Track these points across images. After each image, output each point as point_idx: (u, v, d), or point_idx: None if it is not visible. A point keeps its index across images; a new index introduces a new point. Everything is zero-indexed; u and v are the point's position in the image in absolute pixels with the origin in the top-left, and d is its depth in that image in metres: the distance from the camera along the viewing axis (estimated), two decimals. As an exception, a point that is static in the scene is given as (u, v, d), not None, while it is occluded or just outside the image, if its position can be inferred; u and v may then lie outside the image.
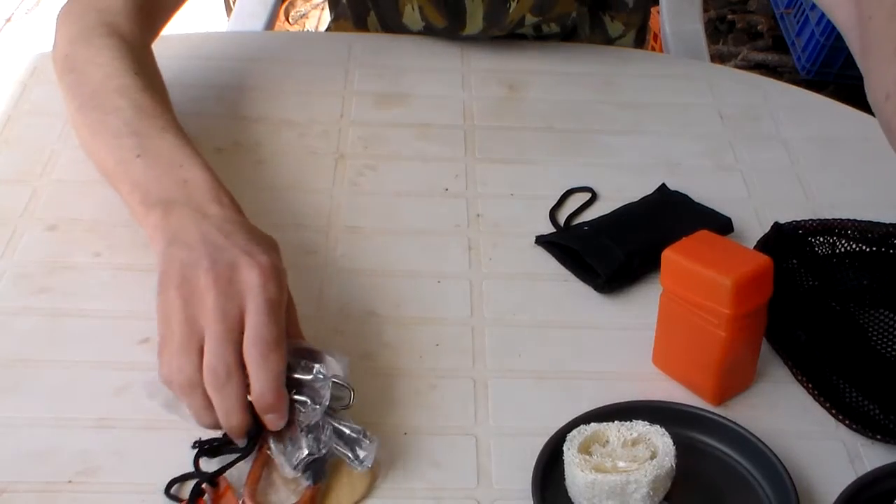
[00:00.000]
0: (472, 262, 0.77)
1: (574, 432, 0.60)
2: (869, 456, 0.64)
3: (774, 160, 0.91)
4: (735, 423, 0.63)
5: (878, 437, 0.64)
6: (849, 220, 0.76)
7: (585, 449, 0.60)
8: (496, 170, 0.88)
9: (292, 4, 2.78)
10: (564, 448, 0.60)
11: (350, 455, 0.60)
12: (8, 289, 0.73)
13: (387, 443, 0.63)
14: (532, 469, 0.59)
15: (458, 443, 0.64)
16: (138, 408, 0.65)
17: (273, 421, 0.59)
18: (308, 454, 0.59)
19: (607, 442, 0.60)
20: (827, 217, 0.77)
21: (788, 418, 0.67)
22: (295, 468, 0.59)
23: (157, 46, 1.06)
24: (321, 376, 0.59)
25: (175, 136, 0.73)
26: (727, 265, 0.62)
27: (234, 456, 0.60)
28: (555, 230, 0.81)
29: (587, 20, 1.08)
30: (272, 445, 0.59)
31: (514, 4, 1.00)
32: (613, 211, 0.82)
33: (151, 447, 0.63)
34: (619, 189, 0.85)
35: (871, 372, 0.68)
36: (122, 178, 0.71)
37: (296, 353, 0.61)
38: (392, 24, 1.06)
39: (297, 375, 0.60)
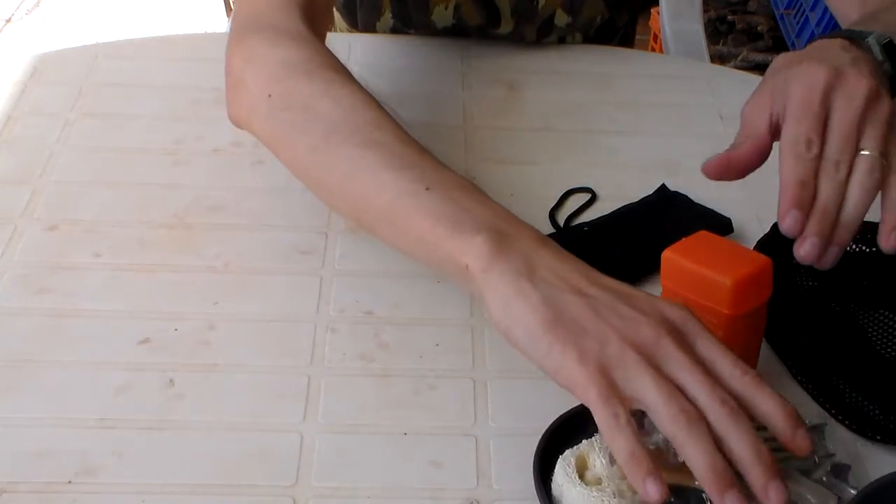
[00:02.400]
0: (471, 263, 0.77)
1: (559, 469, 0.58)
2: (869, 457, 0.64)
3: (774, 160, 0.90)
4: None
5: (878, 438, 0.64)
6: None
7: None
8: (496, 170, 0.88)
9: (292, 5, 2.77)
10: (565, 487, 0.57)
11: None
12: (8, 289, 0.73)
13: (386, 443, 0.63)
14: (531, 470, 0.59)
15: (457, 443, 0.64)
16: (138, 408, 0.65)
17: (806, 438, 0.53)
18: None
19: (588, 468, 0.58)
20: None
21: (788, 418, 0.67)
22: None
23: (157, 48, 1.06)
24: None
25: (458, 175, 0.65)
26: (727, 265, 0.62)
27: None
28: (554, 230, 0.81)
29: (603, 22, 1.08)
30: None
31: (542, 1, 1.00)
32: (613, 211, 0.82)
33: (151, 447, 0.63)
34: (619, 189, 0.85)
35: (871, 372, 0.68)
36: (408, 211, 0.63)
37: None
38: (416, 22, 1.04)
39: None
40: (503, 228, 0.59)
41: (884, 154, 0.62)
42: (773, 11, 2.60)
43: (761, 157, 0.66)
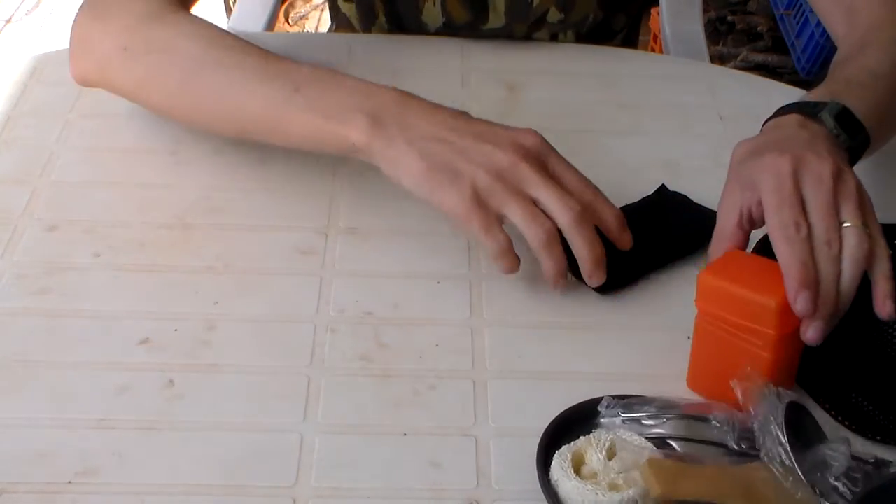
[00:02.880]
0: (472, 262, 0.77)
1: (555, 464, 0.59)
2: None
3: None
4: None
5: (878, 438, 0.64)
6: None
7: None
8: (496, 170, 0.87)
9: (292, 6, 2.78)
10: (561, 481, 0.58)
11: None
12: (8, 289, 0.73)
13: (386, 443, 0.63)
14: (535, 469, 0.60)
15: (457, 443, 0.64)
16: (138, 408, 0.65)
17: (629, 238, 0.71)
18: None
19: (586, 463, 0.59)
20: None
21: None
22: None
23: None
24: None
25: (318, 67, 0.75)
26: (768, 285, 0.61)
27: None
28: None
29: (597, 23, 1.08)
30: None
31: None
32: None
33: (151, 447, 0.63)
34: (619, 189, 0.85)
35: (871, 373, 0.68)
36: (288, 114, 0.73)
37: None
38: (408, 23, 1.05)
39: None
40: (374, 105, 0.71)
41: (864, 223, 0.65)
42: (773, 12, 2.60)
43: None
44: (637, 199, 0.83)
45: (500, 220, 0.69)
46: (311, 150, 0.76)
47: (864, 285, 0.69)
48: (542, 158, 0.70)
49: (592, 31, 1.08)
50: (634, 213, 0.81)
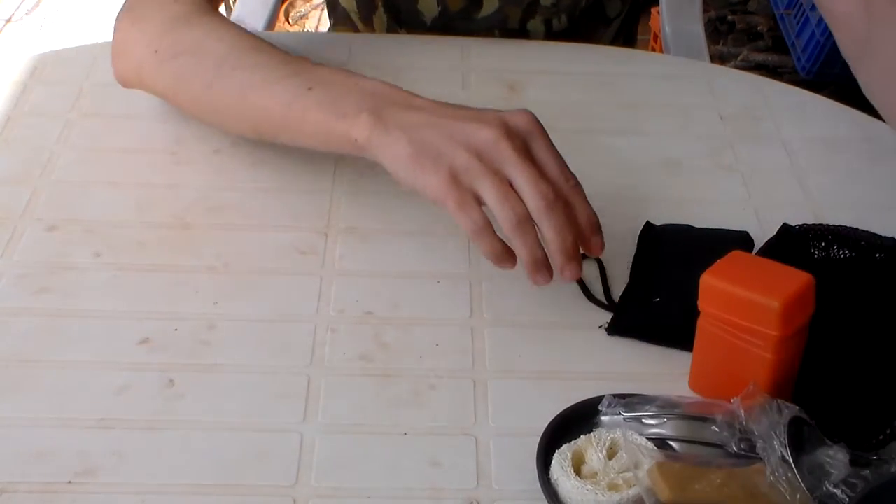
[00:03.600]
0: (472, 263, 0.77)
1: (555, 463, 0.59)
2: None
3: (774, 160, 0.91)
4: None
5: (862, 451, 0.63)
6: (852, 227, 0.75)
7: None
8: (496, 170, 0.87)
9: (292, 5, 2.78)
10: (560, 480, 0.58)
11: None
12: (8, 289, 0.73)
13: (386, 443, 0.63)
14: (535, 469, 0.60)
15: (457, 443, 0.64)
16: (138, 408, 0.65)
17: (600, 244, 0.68)
18: None
19: (585, 462, 0.59)
20: (829, 218, 0.77)
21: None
22: None
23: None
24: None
25: (333, 68, 0.76)
26: (771, 286, 0.61)
27: None
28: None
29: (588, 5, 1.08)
30: None
31: None
32: (632, 269, 0.76)
33: (151, 447, 0.63)
34: (620, 189, 0.85)
35: (856, 383, 0.67)
36: (301, 112, 0.74)
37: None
38: (405, 15, 1.06)
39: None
40: (378, 102, 0.71)
41: None
42: (773, 11, 2.60)
43: None
44: (633, 237, 0.78)
45: (477, 199, 0.66)
46: (319, 148, 0.76)
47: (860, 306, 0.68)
48: (527, 139, 0.68)
49: (585, 14, 1.08)
50: (649, 260, 0.76)
